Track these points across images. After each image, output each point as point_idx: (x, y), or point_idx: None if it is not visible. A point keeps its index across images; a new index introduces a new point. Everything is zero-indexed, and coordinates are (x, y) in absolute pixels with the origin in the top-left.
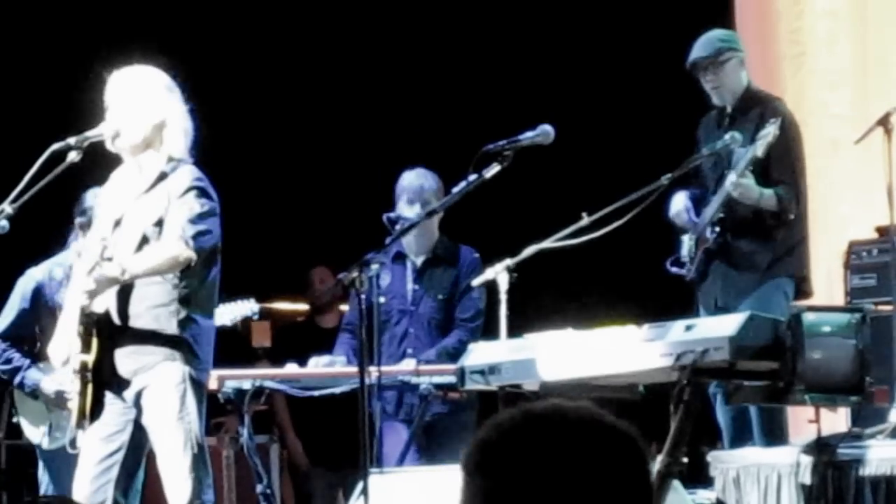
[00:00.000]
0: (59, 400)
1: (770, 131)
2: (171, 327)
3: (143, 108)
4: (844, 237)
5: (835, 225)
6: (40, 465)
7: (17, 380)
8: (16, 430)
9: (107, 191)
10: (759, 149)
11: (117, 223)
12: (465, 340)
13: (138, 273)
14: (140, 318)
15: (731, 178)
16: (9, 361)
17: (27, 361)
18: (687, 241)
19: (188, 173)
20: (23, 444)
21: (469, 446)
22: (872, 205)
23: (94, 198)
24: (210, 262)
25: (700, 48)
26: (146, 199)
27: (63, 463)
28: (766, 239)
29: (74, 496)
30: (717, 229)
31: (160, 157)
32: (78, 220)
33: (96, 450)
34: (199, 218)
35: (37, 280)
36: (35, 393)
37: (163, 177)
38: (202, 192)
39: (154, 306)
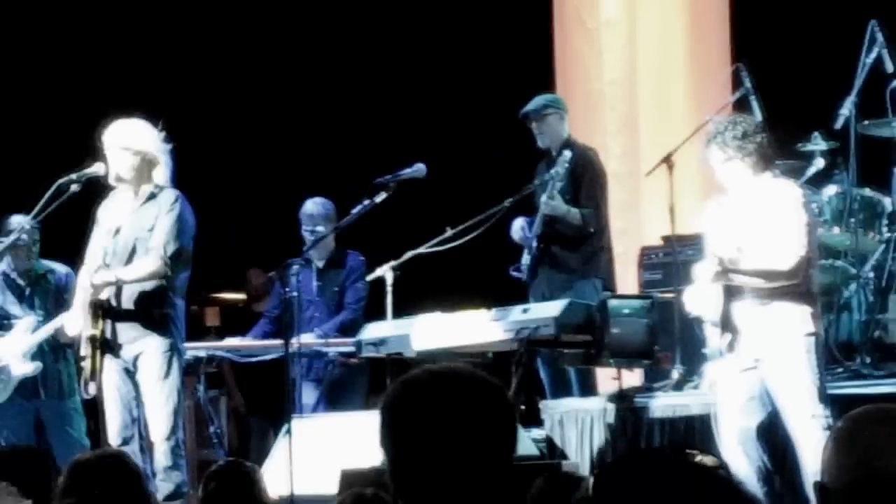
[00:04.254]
0: None
1: (558, 169)
2: (159, 307)
3: (134, 150)
4: (622, 244)
5: (614, 235)
6: None
7: None
8: None
9: (105, 208)
10: (556, 177)
11: (117, 231)
12: (351, 318)
13: (126, 280)
14: (137, 299)
15: (544, 198)
16: None
17: None
18: (525, 255)
19: (171, 194)
20: None
21: (384, 396)
22: (641, 222)
23: (17, 223)
24: (186, 262)
25: (530, 104)
26: (139, 212)
27: (7, 413)
28: (575, 248)
29: (108, 433)
30: (540, 243)
31: (149, 185)
32: (1, 239)
33: (113, 397)
34: (175, 238)
35: None
36: None
37: (152, 196)
38: (180, 213)
39: (148, 291)
